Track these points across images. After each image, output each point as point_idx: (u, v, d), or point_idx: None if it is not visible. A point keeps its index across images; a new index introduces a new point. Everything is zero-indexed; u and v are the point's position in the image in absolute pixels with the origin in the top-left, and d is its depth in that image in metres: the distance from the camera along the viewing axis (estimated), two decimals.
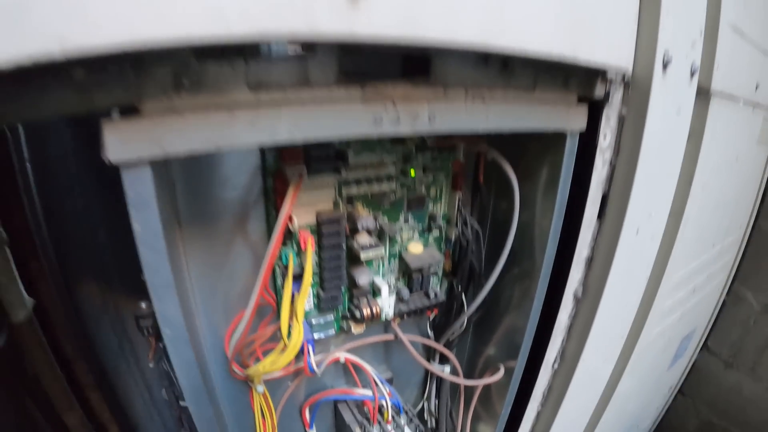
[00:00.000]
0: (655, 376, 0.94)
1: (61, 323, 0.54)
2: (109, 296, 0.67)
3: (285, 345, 0.42)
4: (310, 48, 0.32)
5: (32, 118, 0.26)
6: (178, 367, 0.37)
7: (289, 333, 0.42)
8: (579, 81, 0.45)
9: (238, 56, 0.30)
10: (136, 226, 0.31)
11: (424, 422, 0.66)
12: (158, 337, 0.68)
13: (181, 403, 0.71)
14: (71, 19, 0.21)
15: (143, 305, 0.66)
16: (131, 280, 0.65)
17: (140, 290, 0.64)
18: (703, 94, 0.64)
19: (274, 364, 0.43)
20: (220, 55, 0.30)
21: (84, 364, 0.58)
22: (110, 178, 0.30)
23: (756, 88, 0.85)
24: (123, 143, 0.28)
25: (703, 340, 1.14)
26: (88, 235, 0.59)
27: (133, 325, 0.72)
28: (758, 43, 0.83)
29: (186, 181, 0.42)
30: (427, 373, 0.66)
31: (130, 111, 0.28)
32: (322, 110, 0.32)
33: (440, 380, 0.64)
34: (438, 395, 0.65)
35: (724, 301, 1.18)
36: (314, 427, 0.58)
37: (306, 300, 0.44)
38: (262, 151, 0.42)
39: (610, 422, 0.83)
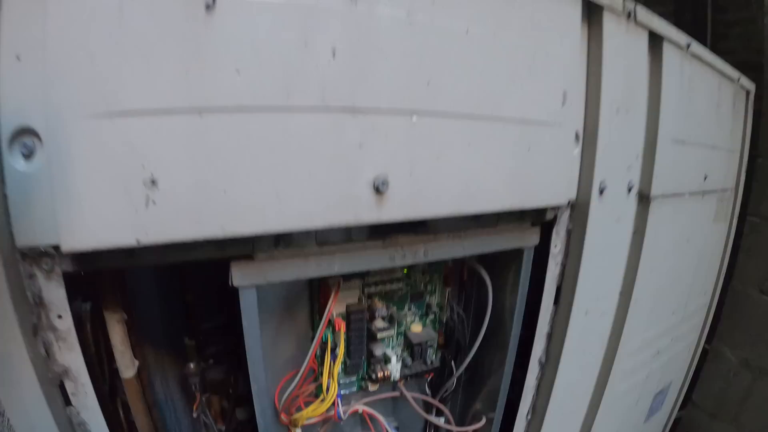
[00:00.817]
0: (630, 429, 1.17)
1: (146, 380, 0.79)
2: (159, 361, 0.91)
3: (324, 397, 0.68)
4: None
5: (183, 260, 0.52)
6: (259, 409, 0.63)
7: (327, 388, 0.67)
8: (531, 214, 0.72)
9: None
10: (245, 323, 0.57)
11: None
12: (203, 391, 0.93)
13: None
14: (231, 218, 0.47)
15: (191, 366, 0.91)
16: (177, 349, 0.91)
17: (183, 355, 0.89)
18: (644, 200, 0.91)
19: (315, 411, 0.68)
20: None
21: (157, 412, 0.83)
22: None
23: (705, 178, 1.12)
24: (242, 276, 0.54)
25: (683, 394, 1.38)
26: (151, 318, 0.85)
27: (174, 382, 0.97)
28: (704, 142, 1.11)
29: None
30: (426, 424, 0.90)
31: (247, 257, 0.55)
32: (359, 255, 0.59)
33: (436, 430, 0.88)
34: None
35: (705, 358, 1.42)
36: None
37: (340, 363, 0.70)
38: None
39: None
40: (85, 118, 0.42)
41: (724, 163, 1.22)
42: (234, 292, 0.55)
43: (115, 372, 0.75)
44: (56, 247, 0.45)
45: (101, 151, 0.42)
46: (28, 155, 0.42)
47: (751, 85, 1.36)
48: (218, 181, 0.47)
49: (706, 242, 1.18)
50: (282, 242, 0.56)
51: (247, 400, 0.96)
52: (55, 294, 0.49)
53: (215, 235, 0.48)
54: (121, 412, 0.75)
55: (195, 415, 0.94)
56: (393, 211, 0.55)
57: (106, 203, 0.43)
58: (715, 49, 2.09)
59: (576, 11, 0.70)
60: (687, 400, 1.48)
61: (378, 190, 0.54)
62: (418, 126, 0.55)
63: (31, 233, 0.44)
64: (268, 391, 0.67)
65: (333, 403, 0.71)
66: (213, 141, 0.46)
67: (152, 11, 0.42)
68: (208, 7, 0.44)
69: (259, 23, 0.45)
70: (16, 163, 0.42)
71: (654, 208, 0.92)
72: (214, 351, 0.96)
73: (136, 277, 0.80)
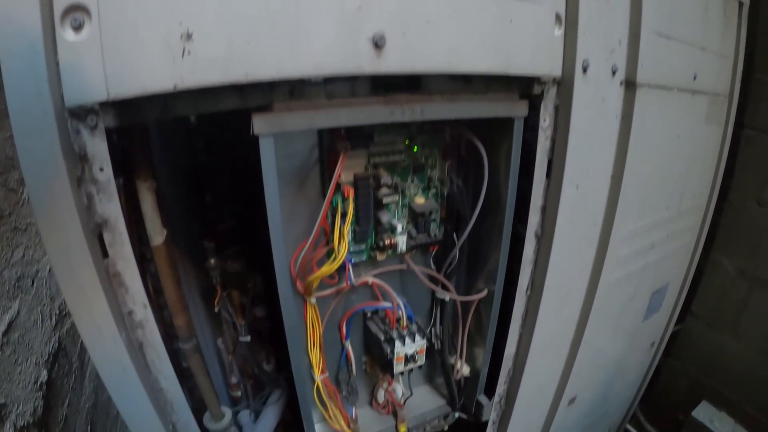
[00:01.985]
0: (629, 325, 1.31)
1: (172, 256, 0.91)
2: (179, 260, 1.03)
3: (336, 256, 0.80)
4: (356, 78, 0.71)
5: (210, 110, 0.64)
6: (280, 280, 0.75)
7: (338, 246, 0.80)
8: (518, 85, 0.84)
9: (321, 83, 0.69)
10: (264, 169, 0.68)
11: (431, 344, 1.03)
12: (224, 286, 1.06)
13: (241, 338, 1.08)
14: (252, 66, 0.58)
15: (212, 261, 1.04)
16: (197, 249, 1.03)
17: (202, 254, 1.01)
18: (630, 86, 1.02)
19: (328, 269, 0.81)
20: (313, 82, 0.68)
21: (181, 287, 0.94)
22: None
23: (694, 77, 1.23)
24: (262, 124, 0.66)
25: (683, 299, 1.51)
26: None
27: (195, 281, 1.10)
28: (692, 42, 1.22)
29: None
30: (433, 304, 1.03)
31: (266, 108, 0.66)
32: (362, 108, 0.71)
33: (442, 308, 1.01)
34: (441, 321, 1.02)
35: (702, 268, 1.55)
36: (349, 339, 0.95)
37: (348, 230, 0.82)
38: (320, 134, 0.80)
39: (589, 358, 1.20)
40: None
41: (715, 68, 1.33)
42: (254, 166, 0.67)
43: (143, 257, 0.87)
44: (101, 104, 0.56)
45: (145, 12, 0.53)
46: (77, 27, 0.52)
47: None
48: (242, 34, 0.57)
49: (698, 142, 1.30)
50: (296, 94, 0.68)
51: (264, 297, 1.10)
52: (98, 148, 0.60)
53: (239, 80, 0.59)
54: (150, 286, 0.87)
55: (216, 309, 1.07)
56: (390, 63, 0.66)
57: (149, 56, 0.54)
58: None
59: None
60: (686, 311, 1.62)
61: (376, 44, 0.65)
62: None
63: (78, 93, 0.55)
64: (286, 253, 0.79)
65: (344, 268, 0.84)
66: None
67: None
68: None
69: None
70: (66, 35, 0.52)
71: (640, 96, 1.03)
72: (232, 252, 1.09)
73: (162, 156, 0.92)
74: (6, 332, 1.11)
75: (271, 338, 1.14)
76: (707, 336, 1.63)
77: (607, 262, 1.08)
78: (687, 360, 1.70)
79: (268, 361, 1.15)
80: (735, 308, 1.59)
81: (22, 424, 0.74)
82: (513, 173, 0.87)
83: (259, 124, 0.66)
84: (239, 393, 1.16)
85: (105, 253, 0.68)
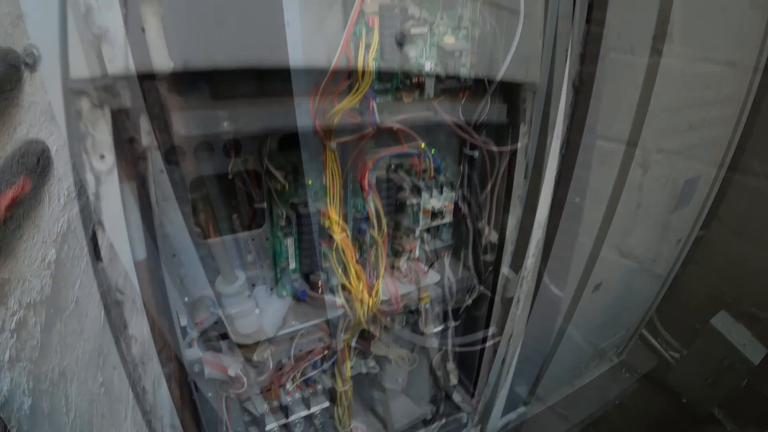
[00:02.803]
0: (659, 213, 1.26)
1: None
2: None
3: (359, 86, 0.74)
4: None
5: None
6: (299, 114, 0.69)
7: (362, 76, 0.73)
8: None
9: None
10: None
11: (458, 208, 0.98)
12: (237, 152, 1.00)
13: (256, 205, 1.03)
14: None
15: (225, 124, 0.97)
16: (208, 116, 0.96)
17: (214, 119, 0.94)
18: None
19: (350, 102, 0.74)
20: None
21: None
22: None
23: None
24: None
25: (711, 198, 1.45)
26: None
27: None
28: None
29: None
30: (461, 162, 0.97)
31: None
32: None
33: (471, 166, 0.95)
34: (469, 182, 0.96)
35: (733, 172, 1.48)
36: (371, 195, 0.90)
37: (373, 61, 0.75)
38: None
39: (618, 241, 1.15)
40: None
41: None
42: None
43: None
44: None
45: None
46: None
47: None
48: None
49: (741, 28, 1.20)
50: None
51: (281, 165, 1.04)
52: None
53: None
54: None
55: (230, 176, 1.01)
56: None
57: None
58: None
59: None
60: (713, 216, 1.56)
61: None
62: None
63: None
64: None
65: (368, 106, 0.78)
66: None
67: None
68: None
69: None
70: None
71: None
72: (246, 119, 1.02)
73: None
74: (9, 206, 1.08)
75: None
76: (731, 244, 1.57)
77: (644, 132, 1.01)
78: (709, 268, 1.65)
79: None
80: (763, 217, 1.53)
81: (28, 300, 0.71)
82: (552, 10, 0.80)
83: None
84: (256, 272, 1.13)
85: (104, 70, 0.62)
